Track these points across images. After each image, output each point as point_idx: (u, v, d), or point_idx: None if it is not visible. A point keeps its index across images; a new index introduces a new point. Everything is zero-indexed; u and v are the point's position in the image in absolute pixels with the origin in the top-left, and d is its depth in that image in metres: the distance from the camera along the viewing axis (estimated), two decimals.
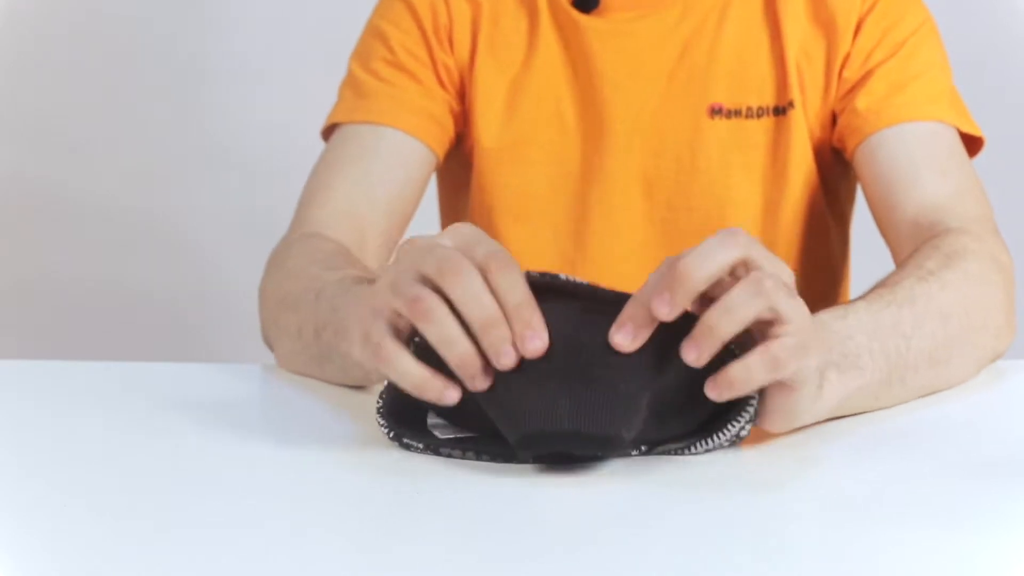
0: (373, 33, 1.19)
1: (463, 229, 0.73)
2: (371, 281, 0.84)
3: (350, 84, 1.18)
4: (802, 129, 1.12)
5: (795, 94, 1.11)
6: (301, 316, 0.92)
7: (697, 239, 1.11)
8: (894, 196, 1.06)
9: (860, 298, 0.85)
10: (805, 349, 0.69)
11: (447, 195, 1.27)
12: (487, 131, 1.16)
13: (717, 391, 0.69)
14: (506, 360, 0.69)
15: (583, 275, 1.13)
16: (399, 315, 0.72)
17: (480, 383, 0.70)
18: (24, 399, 0.89)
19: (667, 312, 0.69)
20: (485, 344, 0.69)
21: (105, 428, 0.81)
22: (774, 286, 0.68)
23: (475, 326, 0.69)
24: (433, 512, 0.67)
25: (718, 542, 0.63)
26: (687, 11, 1.14)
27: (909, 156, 1.07)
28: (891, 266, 0.98)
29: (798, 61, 1.12)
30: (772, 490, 0.70)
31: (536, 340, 0.69)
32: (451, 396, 0.71)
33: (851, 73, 1.11)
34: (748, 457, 0.74)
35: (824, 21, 1.12)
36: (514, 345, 0.69)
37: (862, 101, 1.09)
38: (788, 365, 0.69)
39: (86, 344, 2.05)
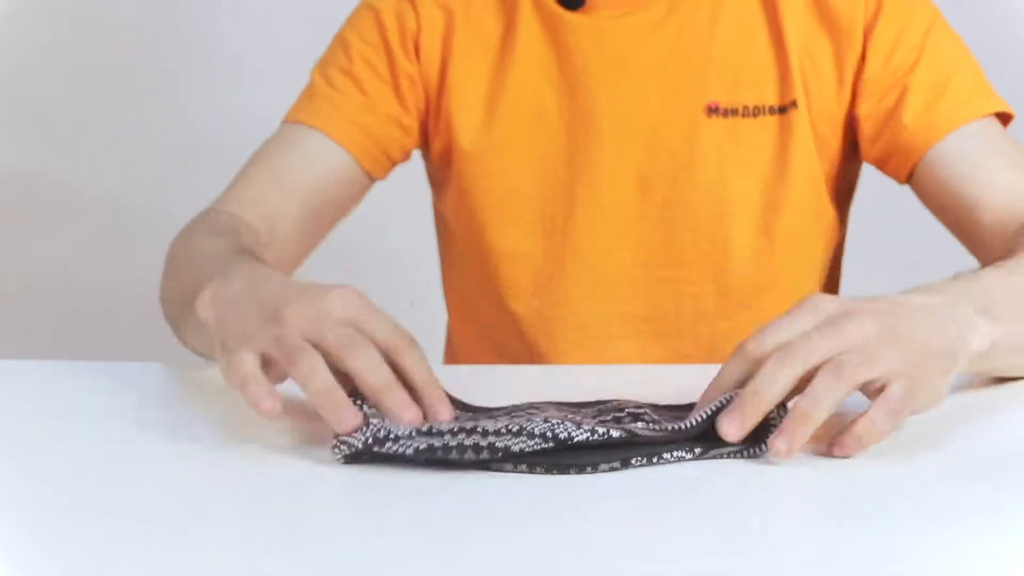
0: (339, 41, 1.20)
1: (351, 299, 0.78)
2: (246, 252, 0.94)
3: (306, 89, 1.20)
4: (806, 128, 1.11)
5: (799, 93, 1.11)
6: (181, 282, 0.97)
7: (694, 236, 1.13)
8: (971, 195, 1.07)
9: (1011, 258, 0.89)
10: (914, 389, 0.74)
11: (438, 205, 1.27)
12: (465, 134, 1.16)
13: (847, 450, 0.73)
14: (411, 415, 0.74)
15: (575, 272, 1.15)
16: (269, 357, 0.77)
17: (347, 418, 0.73)
18: (24, 399, 0.89)
19: (735, 435, 0.72)
20: (385, 407, 0.75)
21: (104, 428, 0.81)
22: (852, 368, 0.72)
23: (373, 389, 0.75)
24: (428, 514, 0.67)
25: (718, 542, 0.63)
26: (674, 7, 1.13)
27: (974, 156, 1.08)
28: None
29: (801, 60, 1.11)
30: (772, 490, 0.70)
31: (444, 411, 0.76)
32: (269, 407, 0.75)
33: (872, 74, 1.10)
34: (747, 455, 0.74)
35: (828, 21, 1.11)
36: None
37: (908, 115, 1.09)
38: (906, 411, 0.74)
39: (86, 342, 2.04)
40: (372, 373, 0.75)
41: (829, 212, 1.16)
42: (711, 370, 0.77)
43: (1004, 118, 1.12)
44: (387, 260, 1.98)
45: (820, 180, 1.14)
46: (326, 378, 0.75)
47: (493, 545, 0.63)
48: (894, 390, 0.73)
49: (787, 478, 0.71)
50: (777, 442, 0.71)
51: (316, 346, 0.76)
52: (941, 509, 0.67)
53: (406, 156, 1.20)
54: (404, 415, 0.74)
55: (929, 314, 0.78)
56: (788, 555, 0.61)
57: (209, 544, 0.63)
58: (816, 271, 1.18)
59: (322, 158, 1.15)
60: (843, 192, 1.19)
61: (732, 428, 0.72)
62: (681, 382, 0.82)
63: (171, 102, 2.03)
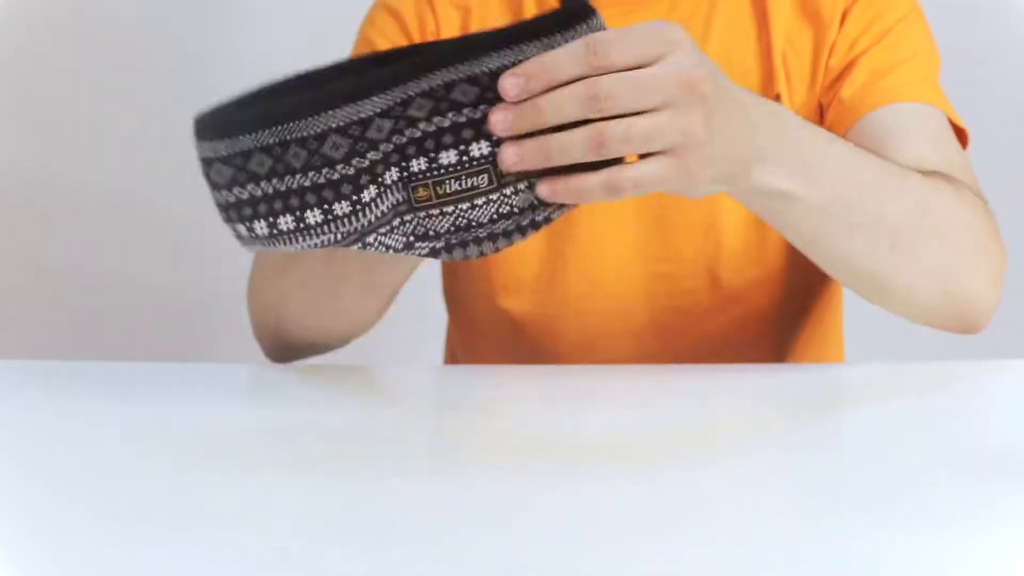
0: (362, 42, 1.20)
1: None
2: None
3: None
4: None
5: (781, 86, 1.12)
6: (302, 268, 0.97)
7: (688, 232, 1.14)
8: None
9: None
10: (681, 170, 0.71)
11: None
12: None
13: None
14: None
15: (575, 269, 1.15)
16: None
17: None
18: (24, 399, 0.89)
19: (514, 95, 0.70)
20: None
21: (105, 428, 0.81)
22: (608, 94, 0.69)
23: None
24: (430, 511, 0.67)
25: (716, 542, 0.63)
26: (674, 5, 1.14)
27: (897, 128, 1.06)
28: None
29: (784, 52, 1.12)
30: (771, 489, 0.70)
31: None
32: None
33: (836, 62, 1.11)
34: (746, 456, 0.74)
35: (811, 12, 1.12)
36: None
37: (846, 91, 1.09)
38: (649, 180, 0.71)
39: (87, 342, 2.04)
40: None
41: None
42: (709, 370, 0.77)
43: (961, 138, 1.10)
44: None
45: None
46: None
47: (483, 546, 0.63)
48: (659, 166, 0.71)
49: (783, 476, 0.71)
50: (509, 151, 0.71)
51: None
52: (939, 509, 0.67)
53: None
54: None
55: (744, 114, 0.77)
56: (786, 554, 0.61)
57: (211, 545, 0.63)
58: (808, 264, 1.18)
59: None
60: None
61: (510, 86, 0.70)
62: (680, 382, 0.82)
63: (177, 101, 2.02)
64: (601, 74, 0.69)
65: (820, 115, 1.13)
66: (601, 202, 1.12)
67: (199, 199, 2.03)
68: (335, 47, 1.24)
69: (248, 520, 0.67)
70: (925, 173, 0.95)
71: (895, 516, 0.66)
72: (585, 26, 0.72)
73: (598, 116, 0.68)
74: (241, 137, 0.75)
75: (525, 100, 0.70)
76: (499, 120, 0.70)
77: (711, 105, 0.72)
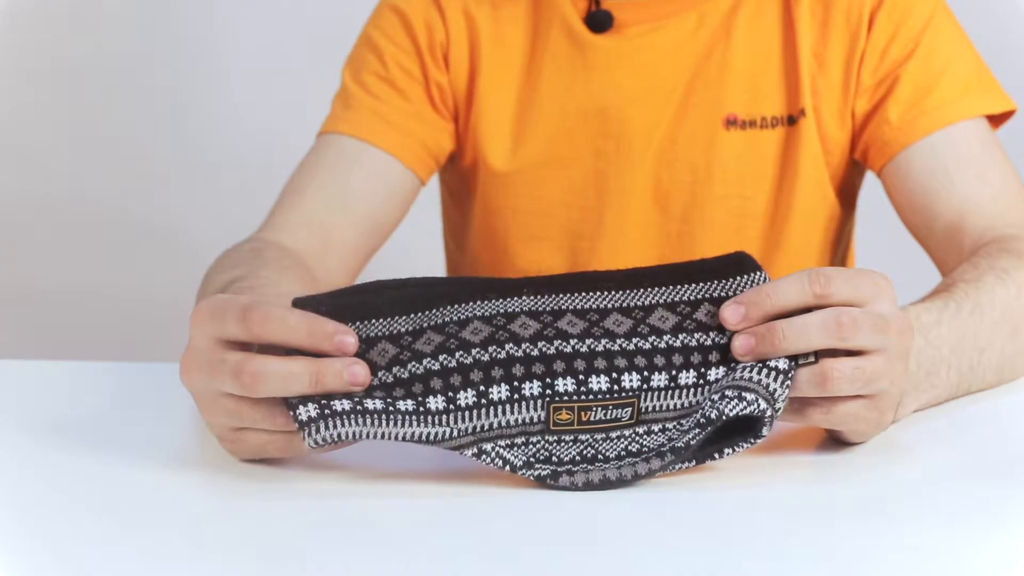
0: (367, 44, 1.17)
1: (199, 316, 0.74)
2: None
3: (341, 96, 1.16)
4: (813, 137, 1.10)
5: (807, 101, 1.10)
6: None
7: (710, 250, 1.12)
8: (932, 206, 1.06)
9: (947, 294, 0.85)
10: (881, 374, 0.70)
11: (450, 209, 1.25)
12: (495, 154, 1.14)
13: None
14: (360, 377, 0.68)
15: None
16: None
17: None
18: (24, 399, 0.89)
19: (732, 320, 0.71)
20: (332, 387, 0.68)
21: (105, 428, 0.81)
22: (852, 322, 0.69)
23: (312, 387, 0.68)
24: (432, 517, 0.67)
25: (719, 542, 0.63)
26: (702, 20, 1.12)
27: (943, 164, 1.06)
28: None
29: (810, 66, 1.10)
30: (775, 491, 0.70)
31: (348, 338, 0.68)
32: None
33: (869, 71, 1.09)
34: (750, 458, 0.74)
35: (838, 21, 1.10)
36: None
37: (893, 110, 1.08)
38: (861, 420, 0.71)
39: (85, 346, 2.04)
40: (292, 381, 0.68)
41: (837, 216, 1.15)
42: None
43: (1003, 114, 1.10)
44: (390, 270, 1.98)
45: (827, 185, 1.13)
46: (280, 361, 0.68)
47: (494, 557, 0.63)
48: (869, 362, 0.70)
49: (787, 478, 0.71)
50: (742, 342, 0.70)
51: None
52: (941, 509, 0.67)
53: (446, 159, 1.17)
54: (354, 380, 0.68)
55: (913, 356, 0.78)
56: (788, 555, 0.61)
57: (212, 544, 0.63)
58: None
59: (380, 174, 1.11)
60: (851, 198, 1.18)
61: (731, 314, 0.71)
62: None
63: (170, 107, 2.03)
64: (825, 305, 0.70)
65: (852, 120, 1.11)
66: (624, 229, 1.12)
67: (192, 207, 2.03)
68: (336, 47, 1.23)
69: (247, 519, 0.66)
70: (994, 249, 0.95)
71: (896, 516, 0.66)
72: (759, 276, 0.73)
73: (839, 345, 0.69)
74: (374, 321, 0.70)
75: (757, 325, 0.71)
76: (742, 346, 0.70)
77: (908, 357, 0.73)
